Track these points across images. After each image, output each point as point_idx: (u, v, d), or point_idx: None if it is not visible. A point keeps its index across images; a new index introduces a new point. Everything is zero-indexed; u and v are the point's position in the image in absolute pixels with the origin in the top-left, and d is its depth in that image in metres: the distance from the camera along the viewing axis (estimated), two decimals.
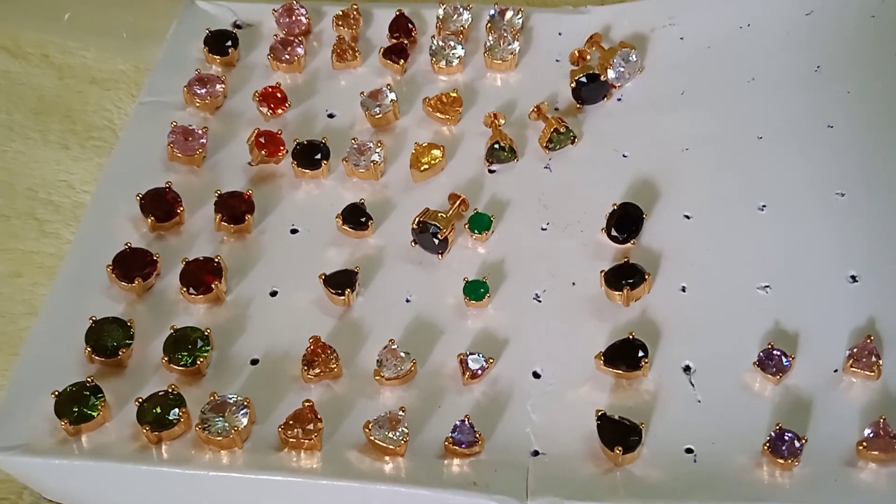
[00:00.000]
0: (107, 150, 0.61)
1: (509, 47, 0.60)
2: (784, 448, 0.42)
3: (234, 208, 0.52)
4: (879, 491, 0.41)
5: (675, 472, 0.42)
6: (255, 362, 0.47)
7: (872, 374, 0.45)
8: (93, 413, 0.44)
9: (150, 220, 0.52)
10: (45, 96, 0.65)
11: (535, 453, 0.44)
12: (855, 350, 0.45)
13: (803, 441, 0.42)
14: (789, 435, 0.42)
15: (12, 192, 0.60)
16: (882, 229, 0.50)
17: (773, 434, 0.42)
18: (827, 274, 0.49)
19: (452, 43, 0.60)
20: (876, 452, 0.42)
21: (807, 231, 0.51)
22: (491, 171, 0.55)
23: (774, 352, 0.45)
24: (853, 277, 0.49)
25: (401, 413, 0.44)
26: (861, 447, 0.42)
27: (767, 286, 0.49)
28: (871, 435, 0.42)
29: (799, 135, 0.55)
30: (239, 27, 0.63)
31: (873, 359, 0.45)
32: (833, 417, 0.44)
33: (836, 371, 0.45)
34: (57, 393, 0.44)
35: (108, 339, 0.46)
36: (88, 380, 0.45)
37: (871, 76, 0.57)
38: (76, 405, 0.44)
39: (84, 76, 0.66)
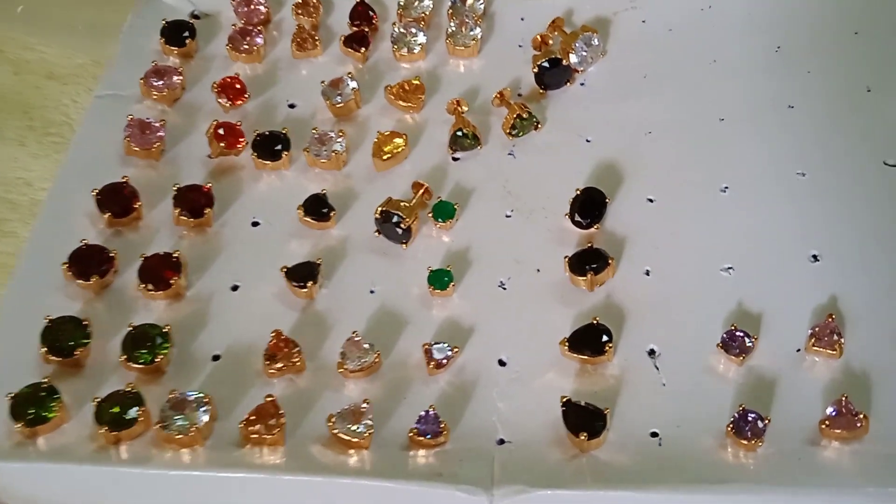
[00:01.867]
0: (65, 147, 0.60)
1: (471, 33, 0.59)
2: (747, 429, 0.42)
3: (194, 202, 0.52)
4: (843, 468, 0.42)
5: (640, 456, 0.43)
6: (216, 358, 0.47)
7: (834, 352, 0.45)
8: (49, 415, 0.43)
9: (106, 216, 0.51)
10: (2, 93, 0.64)
11: (501, 442, 0.44)
12: (817, 329, 0.45)
13: (766, 421, 0.42)
14: (752, 416, 0.42)
15: None
16: (842, 208, 0.51)
17: (736, 415, 0.43)
18: (789, 254, 0.49)
19: (414, 30, 0.59)
20: (839, 431, 0.42)
21: (769, 212, 0.51)
22: (455, 159, 0.55)
23: (737, 333, 0.45)
24: (815, 257, 0.49)
25: (364, 405, 0.44)
26: (824, 426, 0.42)
27: (730, 268, 0.49)
28: (834, 413, 0.42)
29: (760, 116, 0.55)
30: (196, 17, 0.62)
31: (835, 337, 0.45)
32: (796, 397, 0.44)
33: (798, 351, 0.46)
34: (12, 395, 0.43)
35: (64, 338, 0.46)
36: (44, 381, 0.44)
37: (830, 56, 0.57)
38: (32, 407, 0.43)
39: (41, 71, 0.65)
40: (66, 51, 0.66)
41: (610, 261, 0.48)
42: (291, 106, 0.58)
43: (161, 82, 0.57)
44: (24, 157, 0.60)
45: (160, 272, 0.48)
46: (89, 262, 0.49)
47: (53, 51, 0.66)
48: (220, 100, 0.57)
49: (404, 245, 0.51)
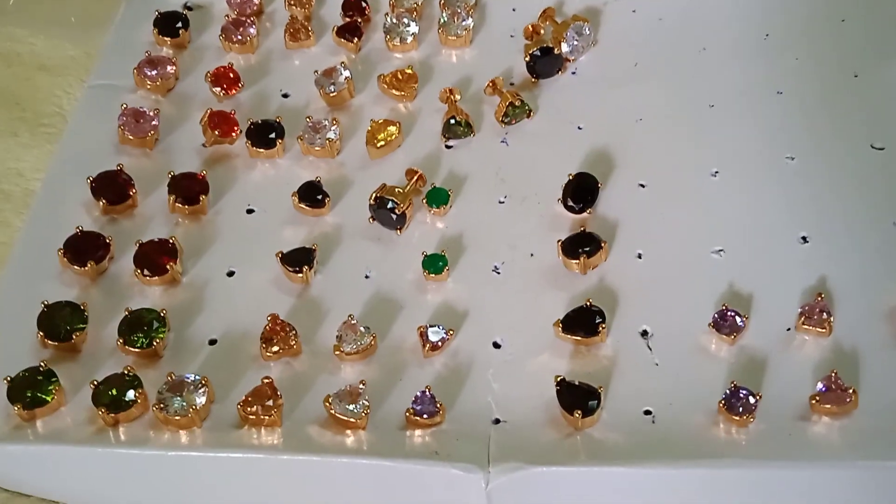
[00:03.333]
0: (57, 137, 0.60)
1: (463, 23, 0.60)
2: (739, 405, 0.43)
3: (189, 189, 0.52)
4: (832, 443, 0.42)
5: (634, 434, 0.43)
6: (213, 342, 0.47)
7: (824, 330, 0.46)
8: (47, 397, 0.43)
9: (101, 204, 0.51)
10: None
11: (497, 421, 0.44)
12: (807, 308, 0.46)
13: (758, 397, 0.43)
14: (744, 392, 0.43)
15: None
16: (830, 191, 0.51)
17: (727, 392, 0.43)
18: (778, 236, 0.50)
19: (406, 20, 0.60)
20: (828, 406, 0.43)
21: (758, 195, 0.51)
22: (448, 147, 0.55)
23: (729, 313, 0.46)
24: (804, 238, 0.50)
25: (361, 386, 0.44)
26: (814, 401, 0.43)
27: (721, 250, 0.50)
28: (824, 389, 0.43)
29: (749, 102, 0.56)
30: (190, 9, 0.62)
31: (824, 316, 0.46)
32: (787, 374, 0.45)
33: (788, 329, 0.46)
34: (9, 378, 0.44)
35: (60, 323, 0.46)
36: (42, 364, 0.44)
37: (817, 43, 0.58)
38: (30, 390, 0.43)
39: (33, 63, 0.65)
40: (58, 42, 0.66)
41: (602, 244, 0.49)
42: (285, 95, 0.58)
43: (155, 72, 0.57)
44: (16, 148, 0.60)
45: (156, 258, 0.49)
46: (85, 249, 0.49)
47: (44, 43, 0.66)
48: (214, 89, 0.57)
49: (399, 231, 0.51)
